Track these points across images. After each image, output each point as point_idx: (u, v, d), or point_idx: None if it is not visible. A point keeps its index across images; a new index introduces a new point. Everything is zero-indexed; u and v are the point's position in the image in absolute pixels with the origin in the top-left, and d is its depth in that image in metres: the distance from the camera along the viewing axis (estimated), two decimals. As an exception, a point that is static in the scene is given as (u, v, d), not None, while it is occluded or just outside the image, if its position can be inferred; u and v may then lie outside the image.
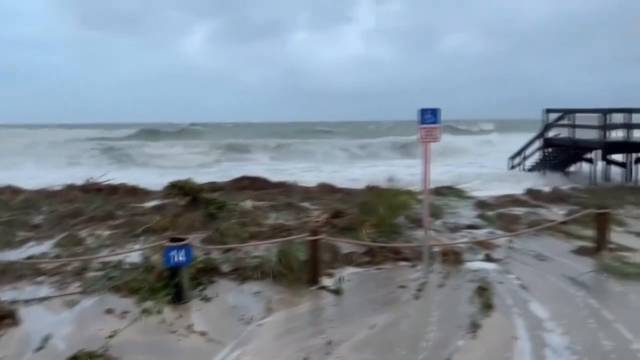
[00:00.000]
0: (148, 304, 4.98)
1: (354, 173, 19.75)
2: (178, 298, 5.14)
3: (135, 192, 11.48)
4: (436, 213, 8.83)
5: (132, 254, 6.64)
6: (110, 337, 4.25)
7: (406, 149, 32.23)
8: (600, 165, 18.53)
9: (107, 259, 6.46)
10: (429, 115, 5.86)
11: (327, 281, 5.80)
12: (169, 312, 4.87)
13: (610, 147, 17.81)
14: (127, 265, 6.26)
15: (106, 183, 11.56)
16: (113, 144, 33.99)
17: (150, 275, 5.66)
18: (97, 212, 9.07)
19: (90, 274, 6.04)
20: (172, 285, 5.11)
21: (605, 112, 18.07)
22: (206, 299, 5.33)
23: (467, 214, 9.17)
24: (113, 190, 11.43)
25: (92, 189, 11.43)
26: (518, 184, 15.18)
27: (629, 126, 17.86)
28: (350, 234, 7.32)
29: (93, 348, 4.11)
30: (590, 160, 18.90)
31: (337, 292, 5.53)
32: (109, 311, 4.97)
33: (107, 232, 7.98)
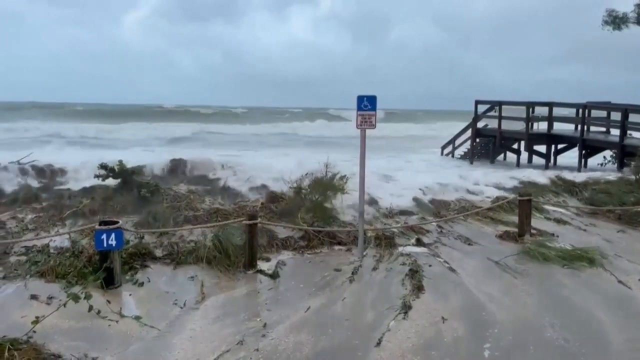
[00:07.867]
0: (76, 289, 4.79)
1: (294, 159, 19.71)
2: (109, 283, 4.98)
3: (62, 173, 10.90)
4: (371, 199, 9.01)
5: (59, 238, 6.35)
6: (35, 323, 4.06)
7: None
8: (524, 155, 19.60)
9: (30, 243, 6.15)
10: (366, 102, 5.95)
11: (263, 265, 5.82)
12: (98, 297, 4.71)
13: (533, 139, 18.87)
14: (53, 249, 5.99)
15: (31, 164, 10.89)
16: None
17: (78, 260, 5.44)
18: (20, 194, 8.57)
19: (13, 259, 5.74)
20: (102, 270, 4.95)
21: (530, 105, 19.08)
22: (139, 284, 5.20)
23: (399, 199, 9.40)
24: (38, 171, 10.80)
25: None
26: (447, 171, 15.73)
27: (550, 119, 18.96)
28: (287, 219, 7.35)
29: (16, 335, 3.92)
30: (516, 151, 19.94)
31: (273, 276, 5.56)
32: (34, 297, 4.75)
33: (30, 216, 7.58)
